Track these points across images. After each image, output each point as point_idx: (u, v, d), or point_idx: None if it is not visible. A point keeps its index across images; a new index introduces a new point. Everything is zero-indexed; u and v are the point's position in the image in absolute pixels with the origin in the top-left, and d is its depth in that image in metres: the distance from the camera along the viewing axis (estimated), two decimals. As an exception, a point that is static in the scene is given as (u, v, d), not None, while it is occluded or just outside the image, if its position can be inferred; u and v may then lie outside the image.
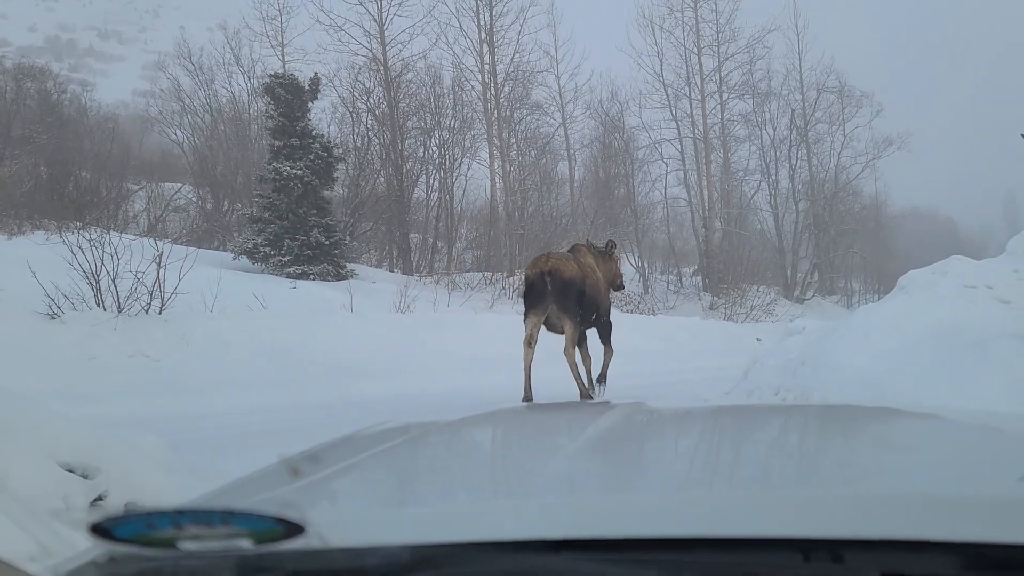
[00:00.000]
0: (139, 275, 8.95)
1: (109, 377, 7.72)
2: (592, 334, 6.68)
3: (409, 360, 9.80)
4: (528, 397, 5.81)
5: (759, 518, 0.70)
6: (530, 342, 5.79)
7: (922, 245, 41.81)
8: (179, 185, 25.72)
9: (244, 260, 15.56)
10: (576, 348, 5.88)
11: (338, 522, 0.72)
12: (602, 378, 6.24)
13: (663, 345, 14.36)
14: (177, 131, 28.18)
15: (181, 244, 20.94)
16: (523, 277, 5.85)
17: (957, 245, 52.17)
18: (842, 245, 29.19)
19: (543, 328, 6.04)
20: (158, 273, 9.26)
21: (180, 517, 0.63)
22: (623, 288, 7.07)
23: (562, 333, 5.80)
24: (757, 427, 1.54)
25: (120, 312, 9.02)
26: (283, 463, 1.00)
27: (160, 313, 9.34)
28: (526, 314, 5.75)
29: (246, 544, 0.62)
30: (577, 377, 5.84)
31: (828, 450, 1.29)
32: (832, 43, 29.20)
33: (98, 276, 8.87)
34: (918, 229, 43.86)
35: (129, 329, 8.76)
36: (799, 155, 28.84)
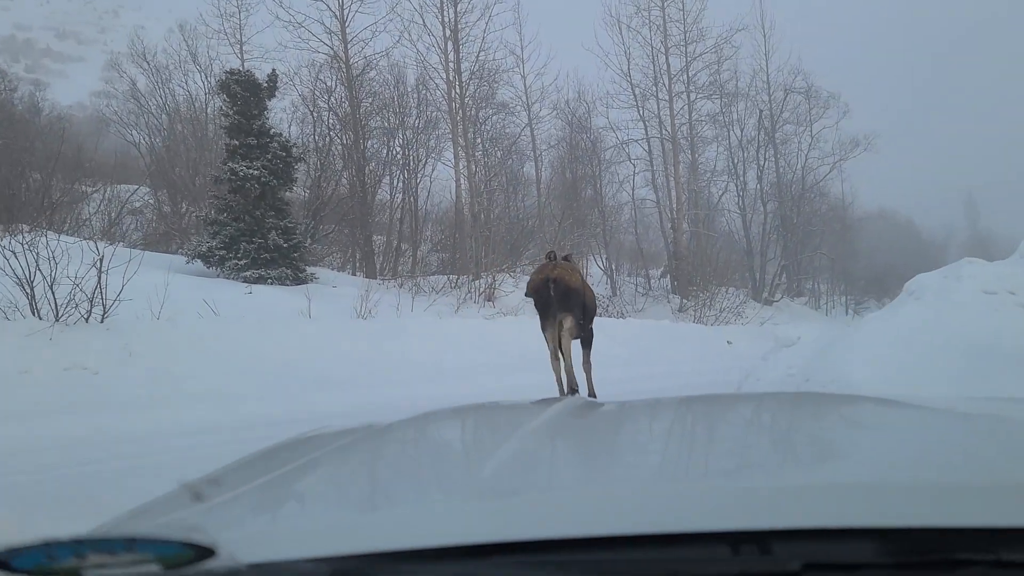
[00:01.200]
0: (78, 280, 8.37)
1: (41, 393, 7.15)
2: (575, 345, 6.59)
3: (369, 369, 9.33)
4: (567, 392, 5.94)
5: (687, 512, 0.69)
6: (556, 355, 5.92)
7: (884, 246, 42.23)
8: (135, 187, 24.95)
9: (199, 264, 14.91)
10: (561, 350, 5.97)
11: (250, 539, 0.71)
12: (592, 395, 6.24)
13: (633, 349, 14.02)
14: (133, 132, 27.33)
15: (137, 248, 20.29)
16: (530, 287, 5.95)
17: (920, 246, 52.92)
18: (809, 247, 29.22)
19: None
20: (99, 278, 8.68)
21: (81, 546, 0.61)
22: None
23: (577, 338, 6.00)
24: (696, 419, 1.54)
25: (57, 321, 8.43)
26: (184, 487, 0.98)
27: (102, 322, 8.76)
28: (543, 327, 5.90)
29: (154, 570, 0.62)
30: (570, 378, 5.93)
31: (766, 441, 1.29)
32: (799, 43, 29.38)
33: (32, 282, 8.26)
34: (879, 230, 44.27)
35: (66, 339, 8.17)
36: (767, 156, 28.88)
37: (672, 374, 12.10)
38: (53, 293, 8.40)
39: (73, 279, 8.34)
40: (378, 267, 21.06)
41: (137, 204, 24.70)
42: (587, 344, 6.30)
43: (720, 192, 28.44)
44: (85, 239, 9.40)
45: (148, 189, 24.88)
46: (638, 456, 1.16)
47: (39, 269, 8.33)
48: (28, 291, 8.24)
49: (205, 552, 0.62)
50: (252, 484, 1.04)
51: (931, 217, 65.64)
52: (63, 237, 9.04)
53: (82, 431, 6.39)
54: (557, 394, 5.91)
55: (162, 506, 0.95)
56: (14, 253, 8.18)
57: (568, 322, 5.74)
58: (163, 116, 26.34)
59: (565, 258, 6.56)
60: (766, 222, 28.66)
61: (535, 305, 5.97)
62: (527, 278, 7.80)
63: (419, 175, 23.43)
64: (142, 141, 27.05)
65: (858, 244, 34.13)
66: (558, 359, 5.94)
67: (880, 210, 37.50)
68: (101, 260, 8.70)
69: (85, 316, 8.62)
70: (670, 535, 0.65)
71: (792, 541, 0.63)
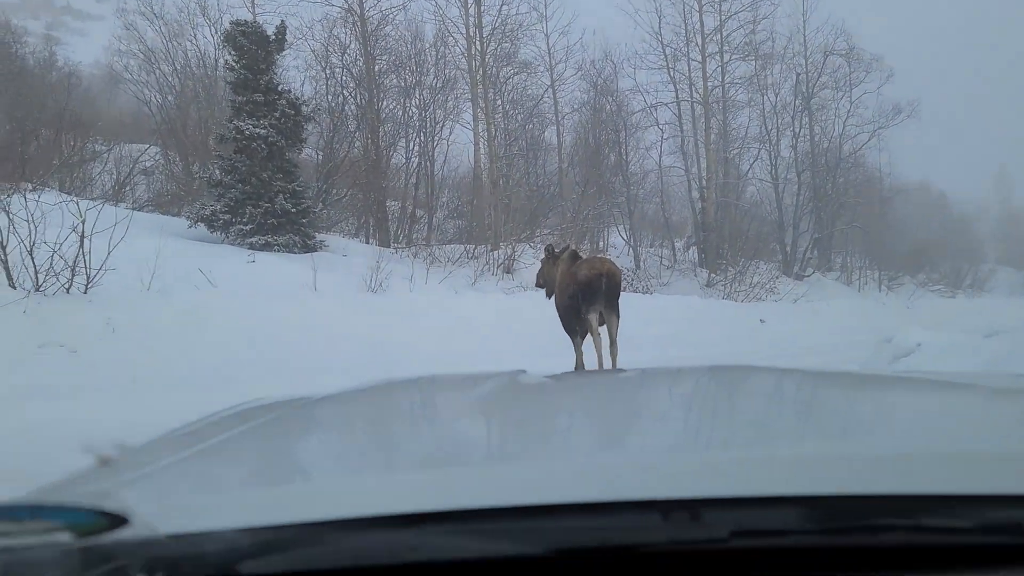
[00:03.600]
0: (58, 246, 7.55)
1: (9, 372, 6.37)
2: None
3: (376, 352, 8.50)
4: None
5: (619, 482, 0.71)
6: (598, 333, 6.30)
7: (917, 220, 40.77)
8: (145, 147, 24.21)
9: (203, 229, 14.09)
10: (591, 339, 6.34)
11: (171, 510, 0.69)
12: None
13: (662, 329, 13.10)
14: (144, 90, 26.42)
15: (147, 211, 19.58)
16: (578, 278, 6.21)
17: (951, 221, 51.30)
18: (843, 219, 27.90)
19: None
20: (81, 243, 7.86)
21: None
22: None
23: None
24: (642, 392, 1.58)
25: (37, 291, 7.64)
26: (99, 458, 0.96)
27: (85, 292, 7.97)
28: (587, 312, 6.18)
29: (65, 538, 0.60)
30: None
31: (707, 414, 1.30)
32: (840, 2, 27.60)
33: (5, 247, 7.45)
34: (911, 203, 42.71)
35: (43, 313, 7.38)
36: (802, 123, 27.42)
37: (708, 358, 11.19)
38: (33, 259, 7.60)
39: (52, 244, 7.53)
40: (392, 234, 20.17)
41: (147, 164, 24.03)
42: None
43: (751, 160, 27.11)
44: (71, 199, 8.52)
45: (158, 149, 24.13)
46: (576, 428, 1.18)
47: (14, 232, 7.51)
48: (1, 256, 7.43)
49: (118, 520, 0.61)
50: (176, 456, 1.01)
51: (962, 190, 63.64)
52: (43, 196, 8.17)
53: (49, 416, 5.57)
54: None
55: (78, 479, 0.89)
56: (-15, 216, 7.36)
57: (615, 325, 6.17)
58: (174, 73, 25.38)
59: (569, 249, 7.01)
60: (800, 192, 27.33)
61: (575, 299, 6.17)
62: (546, 244, 8.31)
63: (436, 138, 22.41)
64: (153, 99, 26.17)
65: (893, 217, 32.71)
66: (599, 336, 6.22)
67: (920, 182, 35.92)
68: (84, 223, 7.88)
69: (66, 286, 7.82)
70: (602, 503, 0.66)
71: (719, 509, 0.64)
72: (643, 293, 17.24)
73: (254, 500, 0.73)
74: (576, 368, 6.23)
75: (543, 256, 7.16)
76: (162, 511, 0.66)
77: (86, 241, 7.91)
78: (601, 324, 6.27)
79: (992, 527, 0.63)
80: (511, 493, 0.68)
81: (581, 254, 6.88)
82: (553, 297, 6.82)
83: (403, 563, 0.63)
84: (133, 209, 20.10)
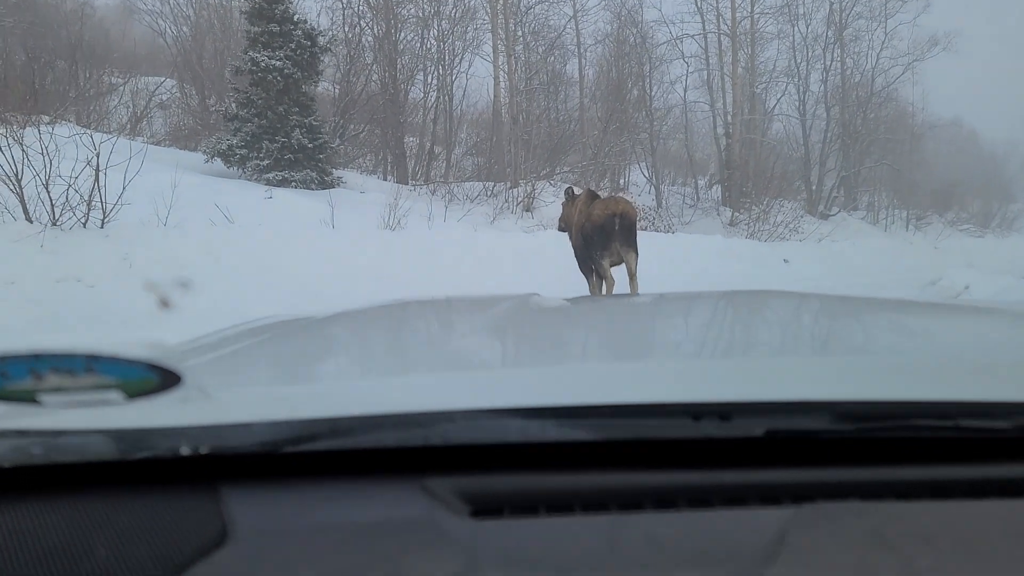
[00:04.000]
0: (73, 179, 7.46)
1: (27, 306, 6.35)
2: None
3: (394, 289, 8.40)
4: None
5: (651, 385, 0.76)
6: (612, 278, 6.33)
7: (945, 158, 39.61)
8: (161, 79, 23.92)
9: (219, 164, 13.94)
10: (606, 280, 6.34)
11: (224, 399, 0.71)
12: None
13: (684, 268, 12.90)
14: (159, 20, 25.93)
15: (164, 145, 19.43)
16: (592, 218, 6.21)
17: (980, 159, 49.88)
18: (872, 156, 27.09)
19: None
20: (96, 176, 7.76)
21: (38, 363, 0.58)
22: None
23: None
24: (672, 310, 1.65)
25: (54, 225, 7.59)
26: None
27: (101, 227, 7.90)
28: (602, 255, 6.20)
29: (115, 397, 0.60)
30: None
31: (740, 328, 1.35)
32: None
33: (20, 180, 7.36)
34: (941, 140, 41.41)
35: (60, 247, 7.34)
36: (834, 55, 26.41)
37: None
38: (49, 193, 7.53)
39: (68, 178, 7.43)
40: (410, 171, 19.91)
41: (164, 97, 23.77)
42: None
43: (779, 95, 26.26)
44: (86, 131, 8.39)
45: (174, 82, 23.83)
46: (609, 339, 1.24)
47: (29, 165, 7.41)
48: (16, 189, 7.35)
49: (171, 379, 0.61)
50: (221, 351, 1.05)
51: (992, 127, 61.55)
52: (58, 129, 8.04)
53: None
54: None
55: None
56: (-1, 149, 7.25)
57: (634, 261, 6.13)
58: (188, 3, 24.87)
59: (588, 190, 6.88)
60: (828, 128, 26.51)
61: (590, 239, 6.18)
62: (566, 186, 8.30)
63: (455, 71, 21.90)
64: (168, 30, 25.71)
65: (922, 155, 31.75)
66: (612, 279, 6.23)
67: (952, 119, 34.72)
68: (98, 156, 7.76)
69: (83, 221, 7.76)
70: (636, 405, 0.69)
71: (752, 414, 0.67)
72: (665, 232, 16.97)
73: (284, 395, 0.78)
74: None
75: (563, 200, 7.08)
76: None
77: (101, 175, 7.81)
78: (618, 263, 6.27)
79: (995, 427, 0.69)
80: (551, 393, 0.73)
81: (600, 194, 6.82)
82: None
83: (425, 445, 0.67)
84: (150, 143, 20.01)
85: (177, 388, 0.61)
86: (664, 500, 0.64)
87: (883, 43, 27.07)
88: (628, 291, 6.30)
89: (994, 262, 21.56)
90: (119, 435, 0.63)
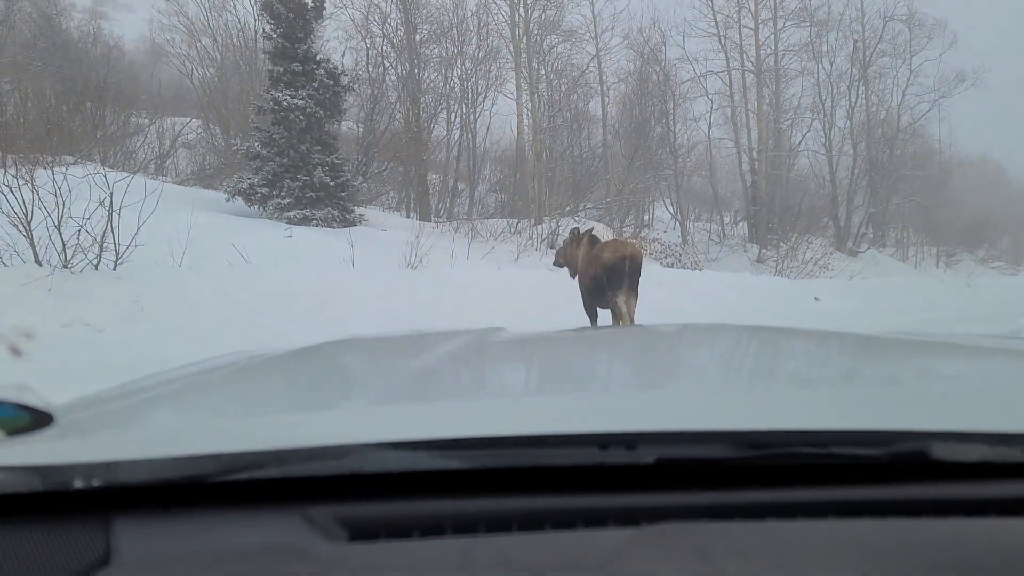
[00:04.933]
0: (85, 219, 7.26)
1: (32, 352, 6.08)
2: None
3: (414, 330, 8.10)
4: None
5: (561, 419, 0.80)
6: (624, 313, 6.49)
7: (974, 195, 38.87)
8: (187, 120, 24.18)
9: (240, 203, 13.81)
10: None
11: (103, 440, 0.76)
12: None
13: (712, 306, 12.50)
14: (186, 63, 26.32)
15: (190, 184, 19.46)
16: (602, 261, 6.42)
17: (1010, 195, 49.02)
18: (900, 193, 26.56)
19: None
20: (109, 217, 7.56)
21: None
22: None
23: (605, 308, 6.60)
24: (623, 344, 1.68)
25: (65, 267, 7.37)
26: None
27: (114, 269, 7.68)
28: (615, 295, 6.38)
29: None
30: None
31: (662, 361, 1.44)
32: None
33: (29, 221, 7.17)
34: (969, 177, 40.67)
35: (69, 290, 7.11)
36: (859, 92, 26.07)
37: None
38: (60, 234, 7.33)
39: (80, 219, 7.24)
40: (433, 208, 19.75)
41: (190, 137, 24.00)
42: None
43: (804, 132, 25.90)
44: (99, 171, 8.21)
45: (200, 122, 24.09)
46: (537, 375, 1.29)
47: (41, 205, 7.22)
48: (25, 231, 7.16)
49: (43, 418, 0.64)
50: (122, 402, 1.06)
51: (1018, 161, 60.45)
52: (75, 168, 7.88)
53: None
54: None
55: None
56: (10, 189, 7.08)
57: (633, 302, 6.37)
58: (215, 46, 25.19)
59: (590, 232, 7.08)
60: (855, 165, 26.06)
61: (599, 281, 6.38)
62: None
63: (478, 109, 21.89)
64: (195, 72, 26.06)
65: (951, 192, 31.12)
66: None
67: (980, 155, 34.02)
68: (111, 196, 7.58)
69: (94, 263, 7.54)
70: (545, 436, 0.74)
71: (652, 443, 0.73)
72: (692, 269, 16.57)
73: (178, 431, 0.82)
74: None
75: (568, 238, 7.28)
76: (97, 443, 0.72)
77: (115, 216, 7.62)
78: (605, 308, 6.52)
79: (859, 455, 0.74)
80: (465, 427, 0.78)
81: (600, 237, 7.12)
82: (577, 277, 7.00)
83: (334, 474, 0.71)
84: (174, 183, 20.05)
85: (50, 427, 0.64)
86: (530, 523, 0.68)
87: (908, 80, 26.80)
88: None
89: (1032, 300, 20.95)
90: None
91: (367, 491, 0.71)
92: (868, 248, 25.06)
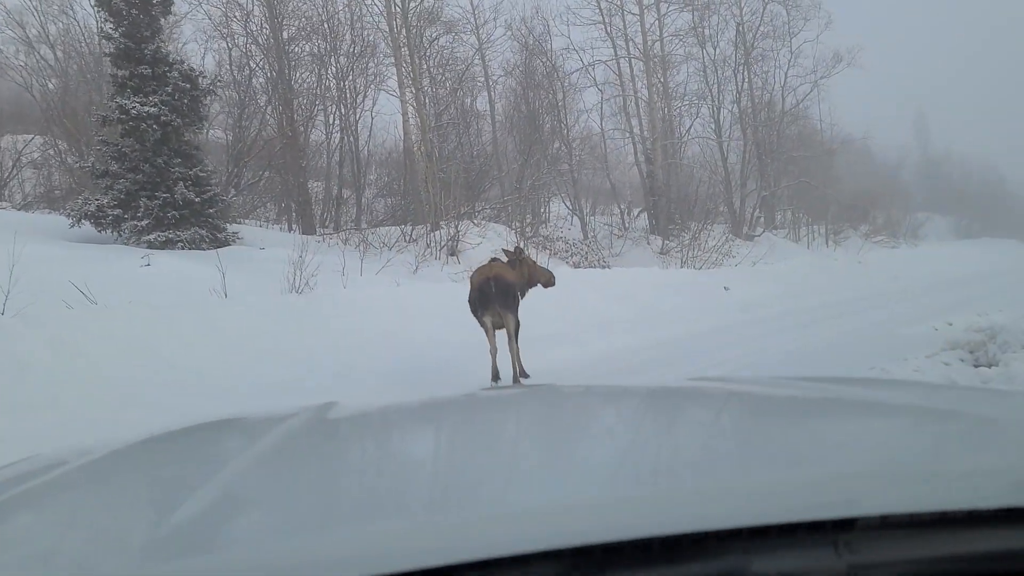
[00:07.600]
0: None
1: None
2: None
3: (304, 367, 6.80)
4: (496, 376, 6.77)
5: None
6: (492, 336, 6.71)
7: (854, 172, 40.40)
8: (30, 137, 21.62)
9: (89, 228, 11.95)
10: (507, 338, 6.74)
11: None
12: (523, 373, 6.86)
13: (626, 306, 11.73)
14: (24, 75, 23.50)
15: (33, 210, 17.15)
16: (472, 283, 6.71)
17: (874, 168, 51.46)
18: (789, 175, 26.93)
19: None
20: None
21: None
22: (553, 284, 7.57)
23: (501, 328, 6.72)
24: (442, 425, 1.47)
25: None
26: None
27: (-88, 324, 6.03)
28: (482, 315, 6.63)
29: None
30: (518, 362, 6.72)
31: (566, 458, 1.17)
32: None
33: None
34: (850, 154, 42.23)
35: None
36: (744, 76, 26.20)
37: (693, 336, 9.83)
38: None
39: None
40: (317, 219, 18.20)
41: (34, 156, 21.48)
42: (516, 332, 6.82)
43: (694, 118, 25.78)
44: None
45: (44, 139, 21.55)
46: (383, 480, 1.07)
47: None
48: None
49: None
50: None
51: (881, 136, 63.82)
52: None
53: None
54: (503, 379, 6.71)
55: None
56: None
57: (511, 324, 6.54)
58: (57, 54, 22.61)
59: (517, 250, 7.35)
60: (745, 149, 26.21)
61: (476, 300, 6.60)
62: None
63: (359, 110, 20.45)
64: (34, 84, 23.33)
65: (836, 171, 31.97)
66: (493, 340, 6.67)
67: (865, 133, 35.25)
68: None
69: None
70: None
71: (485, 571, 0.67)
72: (600, 267, 15.80)
73: None
74: (491, 353, 6.66)
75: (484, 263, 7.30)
76: None
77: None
78: (500, 325, 6.66)
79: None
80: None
81: (502, 258, 7.23)
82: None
83: None
84: (15, 208, 17.64)
85: None
86: None
87: (790, 62, 27.20)
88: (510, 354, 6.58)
89: (917, 271, 21.52)
90: None
91: None
92: (763, 231, 25.22)
